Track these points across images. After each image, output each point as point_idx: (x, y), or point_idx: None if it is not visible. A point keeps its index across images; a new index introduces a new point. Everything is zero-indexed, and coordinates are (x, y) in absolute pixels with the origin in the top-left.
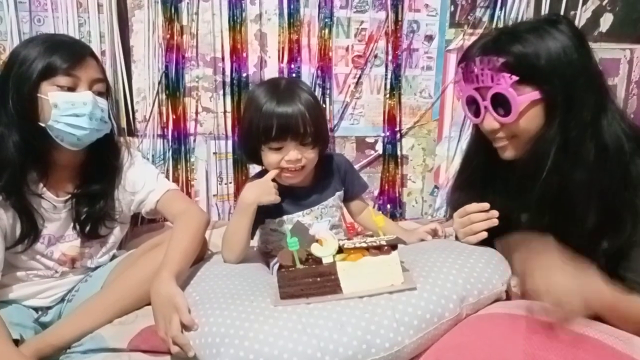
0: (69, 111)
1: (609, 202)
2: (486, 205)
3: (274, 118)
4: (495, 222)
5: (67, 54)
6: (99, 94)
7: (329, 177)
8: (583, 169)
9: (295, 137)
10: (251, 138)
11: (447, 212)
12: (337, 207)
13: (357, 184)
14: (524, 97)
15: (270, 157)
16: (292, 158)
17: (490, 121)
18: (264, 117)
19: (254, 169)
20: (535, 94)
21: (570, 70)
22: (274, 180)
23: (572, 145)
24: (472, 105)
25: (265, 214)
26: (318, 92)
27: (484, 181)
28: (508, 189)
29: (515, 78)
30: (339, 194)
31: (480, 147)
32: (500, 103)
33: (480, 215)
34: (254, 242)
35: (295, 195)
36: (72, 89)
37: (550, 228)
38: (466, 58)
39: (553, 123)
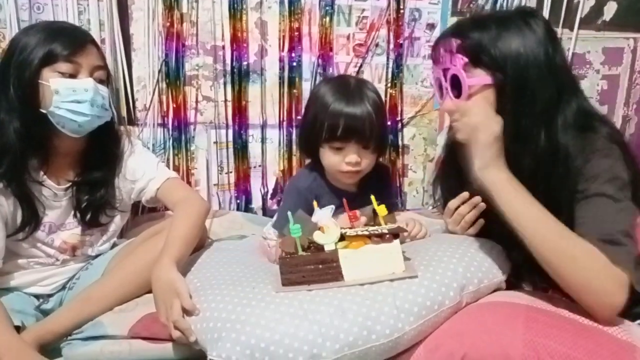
0: (70, 97)
1: (552, 193)
2: (465, 194)
3: (341, 118)
4: (482, 205)
5: (68, 41)
6: (100, 81)
7: (373, 186)
8: (531, 158)
9: (360, 139)
10: (313, 134)
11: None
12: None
13: (392, 200)
14: (475, 80)
15: (330, 156)
16: (352, 160)
17: (447, 102)
18: (330, 115)
19: (255, 159)
20: (486, 79)
21: (525, 61)
22: (324, 180)
23: (522, 134)
24: (439, 86)
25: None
26: (318, 81)
27: (457, 171)
28: None
29: (465, 60)
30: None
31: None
32: (456, 85)
33: (466, 207)
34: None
35: (335, 199)
36: (73, 75)
37: None
38: (437, 39)
39: (505, 110)
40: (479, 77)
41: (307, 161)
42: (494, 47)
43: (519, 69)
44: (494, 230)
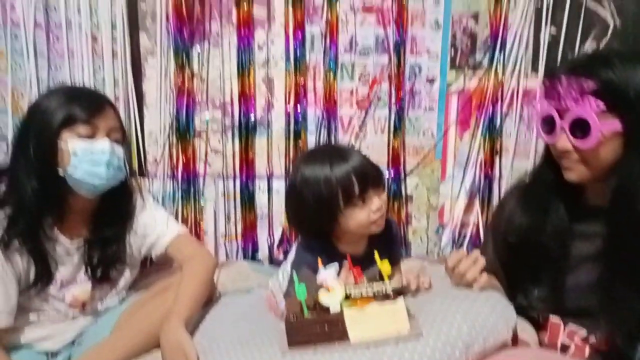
0: (87, 159)
1: None
2: (463, 252)
3: (350, 176)
4: (482, 262)
5: (87, 104)
6: (116, 141)
7: (381, 242)
8: None
9: (374, 182)
10: (325, 213)
11: (452, 249)
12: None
13: (397, 252)
14: (607, 126)
15: (356, 216)
16: (378, 205)
17: (565, 142)
18: (338, 181)
19: (261, 209)
20: (618, 125)
21: None
22: (333, 247)
23: None
24: (548, 122)
25: None
26: (324, 134)
27: (544, 199)
28: (570, 213)
29: (602, 105)
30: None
31: (550, 167)
32: (579, 126)
33: (467, 263)
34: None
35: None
36: (91, 137)
37: (604, 263)
38: (552, 75)
39: (634, 156)
40: (611, 124)
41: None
42: (627, 89)
43: None
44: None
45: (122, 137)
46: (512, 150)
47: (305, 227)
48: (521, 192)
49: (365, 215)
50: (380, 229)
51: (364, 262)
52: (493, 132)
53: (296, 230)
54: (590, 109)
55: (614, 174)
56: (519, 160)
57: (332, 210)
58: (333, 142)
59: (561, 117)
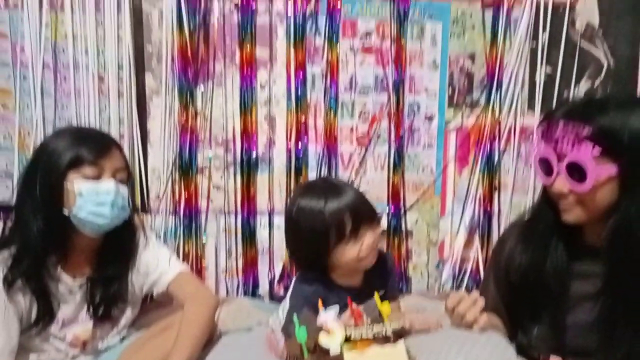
0: (92, 199)
1: None
2: (462, 294)
3: (342, 213)
4: (481, 302)
5: (94, 145)
6: (121, 181)
7: (378, 275)
8: None
9: (367, 219)
10: (318, 246)
11: (453, 285)
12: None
13: (395, 287)
14: (603, 171)
15: (348, 253)
16: (371, 241)
17: (562, 185)
18: (331, 217)
19: (262, 244)
20: (613, 169)
21: None
22: (329, 279)
23: None
24: (545, 164)
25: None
26: (324, 170)
27: (543, 239)
28: (569, 253)
29: (597, 151)
30: (381, 293)
31: (549, 206)
32: (575, 170)
33: (466, 304)
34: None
35: (343, 296)
36: (96, 178)
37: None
38: (549, 118)
39: (630, 198)
40: (607, 168)
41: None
42: (623, 135)
43: None
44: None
45: (127, 176)
46: (510, 186)
47: (301, 257)
48: (520, 230)
49: (355, 251)
50: (371, 265)
51: (360, 295)
52: (491, 169)
53: (293, 260)
54: (586, 154)
55: (611, 215)
56: (517, 196)
57: (324, 244)
58: (333, 176)
59: (558, 160)
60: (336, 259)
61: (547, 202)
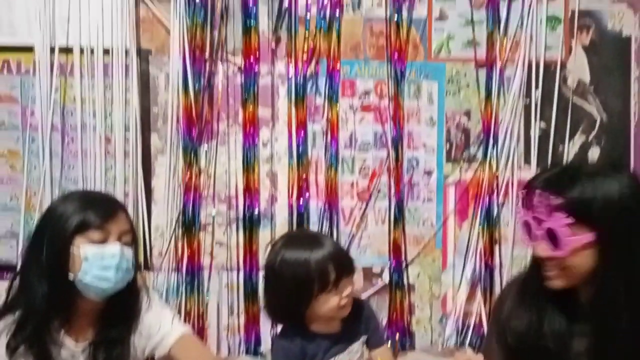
0: (98, 264)
1: None
2: (465, 357)
3: (327, 263)
4: None
5: (101, 210)
6: (126, 243)
7: (355, 321)
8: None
9: (348, 270)
10: (301, 296)
11: (457, 340)
12: (361, 353)
13: (378, 334)
14: (577, 238)
15: (328, 303)
16: (350, 291)
17: (541, 250)
18: (316, 268)
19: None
20: (589, 236)
21: (627, 217)
22: (307, 330)
23: (634, 288)
24: (527, 228)
25: None
26: (326, 225)
27: (538, 302)
28: (565, 313)
29: (569, 220)
30: (363, 338)
31: (539, 268)
32: (554, 236)
33: None
34: None
35: (323, 344)
36: (102, 242)
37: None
38: (528, 187)
39: (608, 264)
40: (582, 236)
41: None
42: (595, 205)
43: (622, 225)
44: None
45: (132, 238)
46: (510, 240)
47: (280, 309)
48: (517, 289)
49: (336, 301)
50: (348, 312)
51: (340, 341)
52: (491, 222)
53: (269, 315)
54: (560, 223)
55: (593, 280)
56: (518, 249)
57: (307, 295)
58: (333, 232)
59: (538, 225)
60: (316, 309)
61: (537, 264)
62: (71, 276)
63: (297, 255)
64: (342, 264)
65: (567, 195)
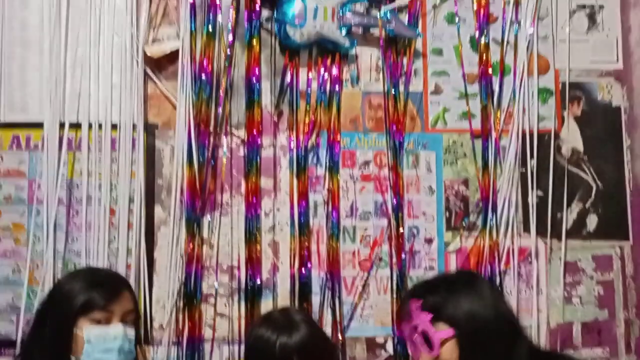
0: (100, 346)
1: None
2: None
3: (293, 351)
4: None
5: (106, 290)
6: (129, 323)
7: None
8: None
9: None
10: None
11: None
12: None
13: None
14: (440, 333)
15: None
16: None
17: (424, 356)
18: (280, 353)
19: None
20: (449, 331)
21: (475, 318)
22: None
23: None
24: (412, 342)
25: None
26: (327, 295)
27: None
28: None
29: (429, 315)
30: None
31: None
32: (427, 338)
33: None
34: None
35: None
36: (106, 322)
37: None
38: (404, 300)
39: (470, 356)
40: (444, 331)
41: None
42: (448, 307)
43: (471, 325)
44: None
45: (135, 317)
46: (515, 308)
47: None
48: None
49: None
50: None
51: None
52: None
53: None
54: (425, 319)
55: None
56: (521, 317)
57: None
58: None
59: (414, 331)
60: None
61: None
62: (73, 359)
63: (266, 336)
64: (309, 354)
65: (427, 300)
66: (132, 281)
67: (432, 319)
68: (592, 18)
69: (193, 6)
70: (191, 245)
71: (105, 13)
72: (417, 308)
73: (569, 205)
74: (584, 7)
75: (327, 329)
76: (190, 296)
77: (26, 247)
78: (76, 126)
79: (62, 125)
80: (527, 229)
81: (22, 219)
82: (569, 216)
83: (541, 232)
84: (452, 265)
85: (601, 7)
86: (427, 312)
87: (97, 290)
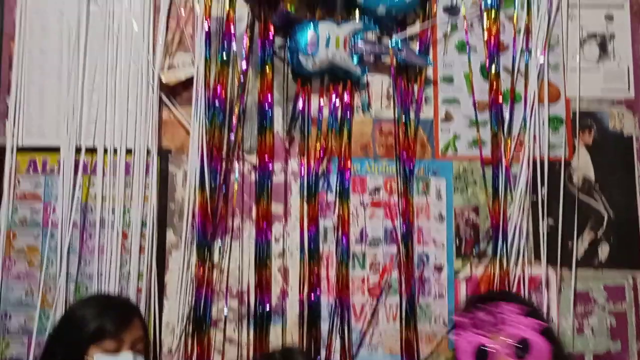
0: None
1: None
2: None
3: None
4: None
5: (117, 318)
6: (139, 351)
7: None
8: None
9: None
10: None
11: None
12: None
13: None
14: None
15: None
16: None
17: None
18: None
19: None
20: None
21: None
22: None
23: None
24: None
25: None
26: (336, 322)
27: None
28: None
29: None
30: None
31: None
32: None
33: None
34: None
35: None
36: (116, 350)
37: None
38: (473, 306)
39: None
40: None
41: None
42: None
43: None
44: None
45: (145, 345)
46: None
47: None
48: None
49: None
50: None
51: None
52: None
53: None
54: (535, 326)
55: None
56: None
57: None
58: (344, 329)
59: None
60: None
61: None
62: None
63: None
64: None
65: (525, 303)
66: (142, 305)
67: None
68: (603, 47)
69: (208, 34)
70: (201, 270)
71: (123, 40)
72: (517, 313)
73: (580, 234)
74: (595, 35)
75: (336, 356)
76: (200, 321)
77: (39, 269)
78: (92, 151)
79: (78, 150)
80: (537, 257)
81: (36, 242)
82: (581, 245)
83: (552, 261)
84: (462, 293)
85: (612, 36)
86: (534, 317)
87: (108, 318)
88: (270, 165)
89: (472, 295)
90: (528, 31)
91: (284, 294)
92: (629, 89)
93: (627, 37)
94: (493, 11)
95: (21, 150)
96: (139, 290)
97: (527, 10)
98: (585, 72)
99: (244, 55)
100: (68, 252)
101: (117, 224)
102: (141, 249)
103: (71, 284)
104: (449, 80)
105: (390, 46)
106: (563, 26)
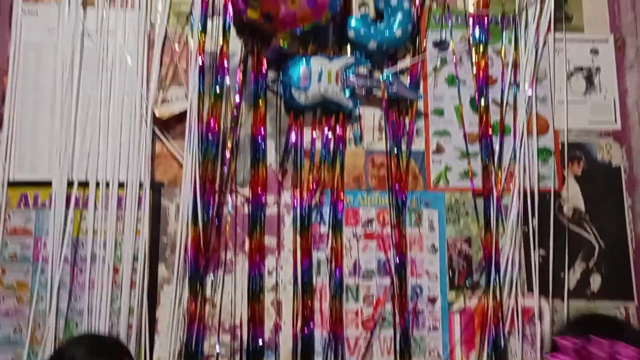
0: None
1: None
2: None
3: None
4: None
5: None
6: None
7: None
8: None
9: None
10: None
11: None
12: None
13: None
14: None
15: None
16: None
17: None
18: None
19: None
20: None
21: None
22: None
23: None
24: None
25: None
26: (330, 356)
27: None
28: None
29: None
30: None
31: None
32: None
33: None
34: None
35: None
36: None
37: None
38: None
39: None
40: None
41: None
42: None
43: None
44: None
45: None
46: None
47: None
48: None
49: None
50: None
51: None
52: (498, 352)
53: None
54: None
55: None
56: None
57: None
58: None
59: None
60: None
61: None
62: None
63: None
64: None
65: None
66: (132, 341)
67: None
68: (589, 80)
69: (202, 69)
70: (194, 305)
71: (117, 74)
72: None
73: (571, 264)
74: (581, 69)
75: None
76: (192, 357)
77: (29, 306)
78: (84, 184)
79: (70, 184)
80: (530, 288)
81: (26, 278)
82: (572, 276)
83: (545, 292)
84: (456, 325)
85: (598, 69)
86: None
87: (98, 358)
88: (263, 197)
89: (584, 314)
90: (516, 65)
91: (277, 328)
92: (615, 120)
93: (612, 70)
94: (481, 46)
95: (12, 184)
96: (129, 327)
97: (514, 44)
98: (572, 105)
99: (237, 89)
100: (58, 288)
101: (108, 259)
102: (132, 283)
103: (61, 320)
104: (440, 112)
105: (381, 80)
106: (550, 60)
